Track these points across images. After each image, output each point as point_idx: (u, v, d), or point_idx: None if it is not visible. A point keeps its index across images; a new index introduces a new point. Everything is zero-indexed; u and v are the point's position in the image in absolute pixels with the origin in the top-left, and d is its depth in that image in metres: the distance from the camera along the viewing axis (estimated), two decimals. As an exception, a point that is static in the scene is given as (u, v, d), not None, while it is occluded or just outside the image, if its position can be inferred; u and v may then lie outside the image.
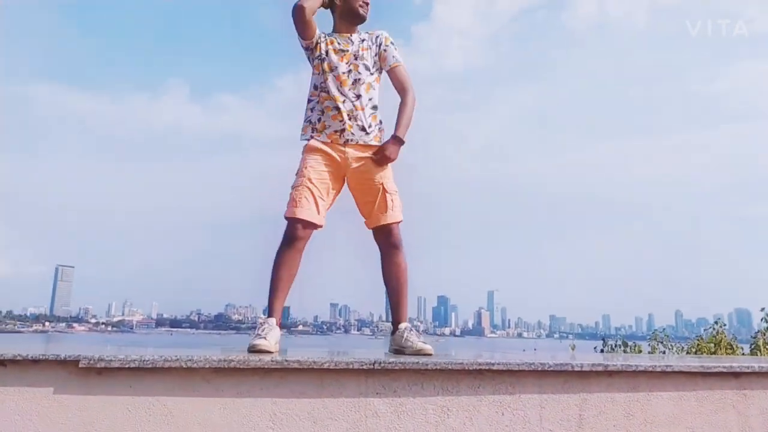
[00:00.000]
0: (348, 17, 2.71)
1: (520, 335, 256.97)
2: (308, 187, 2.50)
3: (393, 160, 2.63)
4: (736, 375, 2.43)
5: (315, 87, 2.67)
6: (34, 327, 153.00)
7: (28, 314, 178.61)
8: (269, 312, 2.45)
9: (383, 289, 2.66)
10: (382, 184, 2.58)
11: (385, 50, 2.74)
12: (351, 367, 2.00)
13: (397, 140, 2.63)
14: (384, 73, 2.77)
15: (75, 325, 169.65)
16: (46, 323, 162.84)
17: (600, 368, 2.25)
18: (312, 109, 2.66)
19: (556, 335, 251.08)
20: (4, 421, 1.73)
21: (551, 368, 2.17)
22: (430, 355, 2.31)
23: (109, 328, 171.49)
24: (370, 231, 2.65)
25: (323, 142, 2.59)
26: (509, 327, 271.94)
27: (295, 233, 2.47)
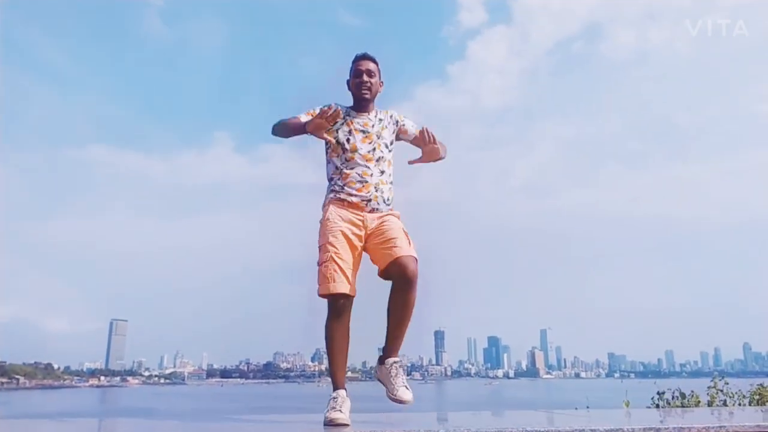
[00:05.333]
0: (357, 100, 2.90)
1: (577, 375, 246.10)
2: (335, 261, 2.61)
3: (429, 143, 2.81)
4: (794, 434, 2.41)
5: (336, 167, 2.80)
6: (91, 382, 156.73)
7: (85, 369, 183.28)
8: (336, 384, 2.60)
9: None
10: (402, 229, 2.72)
11: (403, 125, 2.95)
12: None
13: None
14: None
15: (129, 378, 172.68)
16: (102, 378, 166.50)
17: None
18: (334, 185, 2.79)
19: (617, 374, 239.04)
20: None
21: (602, 433, 2.22)
22: (410, 403, 2.41)
23: (162, 381, 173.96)
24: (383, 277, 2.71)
25: (343, 207, 2.72)
26: (565, 367, 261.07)
27: (337, 309, 2.61)
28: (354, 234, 2.70)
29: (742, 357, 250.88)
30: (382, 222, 2.73)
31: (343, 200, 2.74)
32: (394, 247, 2.63)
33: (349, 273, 2.62)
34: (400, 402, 2.48)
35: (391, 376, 2.58)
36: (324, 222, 2.74)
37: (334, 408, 2.45)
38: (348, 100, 2.96)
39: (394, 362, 2.62)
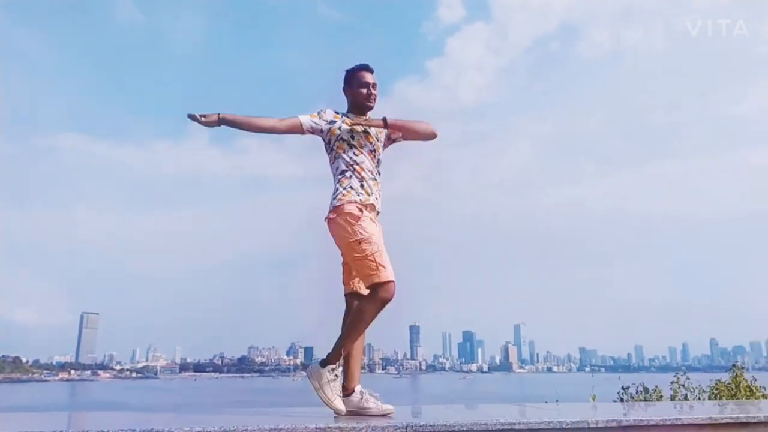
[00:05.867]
0: (358, 108, 3.01)
1: (549, 369, 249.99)
2: (384, 253, 2.71)
3: (363, 123, 2.91)
4: (743, 424, 2.61)
5: (347, 163, 2.87)
6: (60, 375, 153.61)
7: (55, 363, 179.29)
8: (341, 354, 2.74)
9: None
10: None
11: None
12: (386, 430, 2.24)
13: (384, 120, 2.93)
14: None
15: (100, 372, 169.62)
16: (72, 371, 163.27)
17: (614, 424, 2.46)
18: (350, 178, 2.85)
19: (587, 369, 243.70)
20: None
21: (569, 426, 2.39)
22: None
23: (134, 375, 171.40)
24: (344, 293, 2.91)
25: (366, 207, 2.80)
26: (538, 361, 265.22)
27: (388, 295, 2.66)
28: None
29: (708, 352, 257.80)
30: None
31: (366, 197, 2.83)
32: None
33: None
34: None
35: (361, 400, 2.75)
36: (355, 216, 2.76)
37: (335, 397, 2.65)
38: (340, 106, 3.08)
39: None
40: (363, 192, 2.83)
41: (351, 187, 2.84)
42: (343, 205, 2.79)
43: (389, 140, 3.09)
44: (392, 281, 2.66)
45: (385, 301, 2.66)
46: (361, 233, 2.72)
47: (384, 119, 2.94)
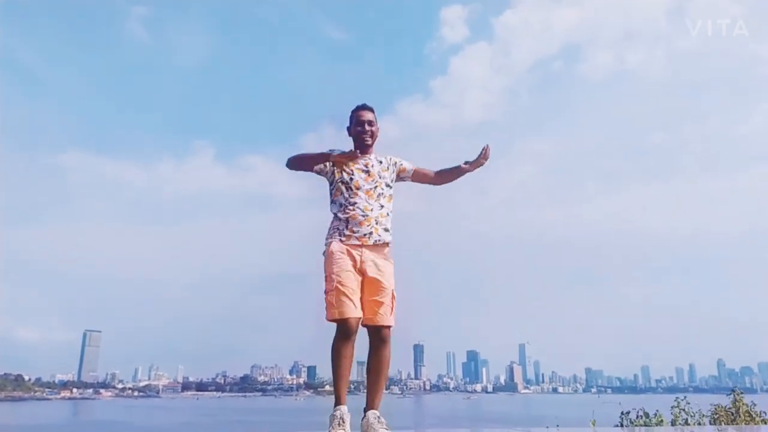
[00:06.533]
0: (360, 146, 3.19)
1: (555, 390, 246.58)
2: (341, 290, 2.88)
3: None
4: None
5: (341, 205, 3.07)
6: (62, 394, 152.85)
7: (57, 381, 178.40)
8: (339, 400, 2.84)
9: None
10: (392, 289, 2.98)
11: (401, 165, 3.27)
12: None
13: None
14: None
15: (102, 391, 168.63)
16: (74, 390, 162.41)
17: (617, 448, 2.42)
18: (338, 221, 3.06)
19: (593, 389, 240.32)
20: None
21: (572, 449, 2.36)
22: None
23: (136, 393, 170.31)
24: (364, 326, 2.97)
25: (343, 243, 2.99)
26: (543, 382, 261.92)
27: (346, 332, 2.86)
28: (354, 266, 2.98)
29: (716, 373, 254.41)
30: (377, 273, 2.98)
31: (348, 236, 3.01)
32: (378, 313, 2.93)
33: (354, 299, 2.89)
34: None
35: (370, 425, 2.79)
36: (329, 254, 3.00)
37: (340, 425, 2.69)
38: (346, 144, 3.24)
39: (375, 415, 2.82)
40: (347, 231, 3.01)
41: (337, 229, 3.06)
42: (328, 244, 3.05)
43: (398, 178, 3.25)
44: (340, 320, 2.85)
45: (339, 336, 2.88)
46: (327, 270, 2.98)
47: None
